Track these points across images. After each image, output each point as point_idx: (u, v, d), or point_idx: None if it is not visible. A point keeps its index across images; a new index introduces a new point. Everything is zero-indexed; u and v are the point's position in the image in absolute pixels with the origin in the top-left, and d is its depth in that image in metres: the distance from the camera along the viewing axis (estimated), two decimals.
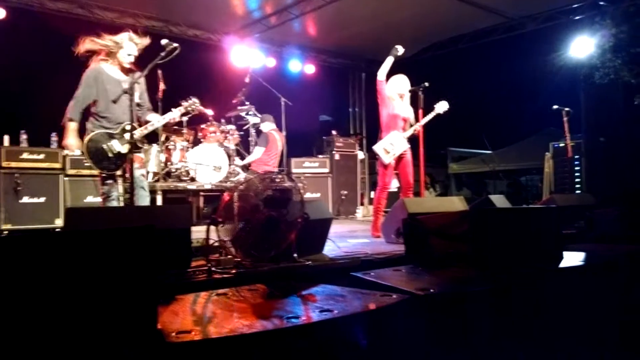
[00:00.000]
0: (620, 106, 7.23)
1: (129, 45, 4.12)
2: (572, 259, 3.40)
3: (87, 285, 1.76)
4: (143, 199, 4.08)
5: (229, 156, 7.38)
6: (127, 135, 3.96)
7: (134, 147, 3.97)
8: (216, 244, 3.21)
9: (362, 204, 9.47)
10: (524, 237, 3.27)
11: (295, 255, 3.24)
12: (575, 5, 8.50)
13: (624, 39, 8.26)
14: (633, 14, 8.16)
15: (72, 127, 4.05)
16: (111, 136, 4.07)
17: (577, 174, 7.88)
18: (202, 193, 7.64)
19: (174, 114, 4.33)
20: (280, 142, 7.13)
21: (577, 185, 7.86)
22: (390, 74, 5.37)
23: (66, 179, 6.39)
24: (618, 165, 6.92)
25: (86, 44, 4.07)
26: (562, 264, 3.27)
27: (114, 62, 4.12)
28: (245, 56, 9.08)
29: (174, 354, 1.76)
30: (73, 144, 4.07)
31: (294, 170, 8.62)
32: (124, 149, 4.04)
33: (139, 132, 4.08)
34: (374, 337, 2.18)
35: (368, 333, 2.16)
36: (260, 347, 1.87)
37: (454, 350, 2.43)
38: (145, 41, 4.19)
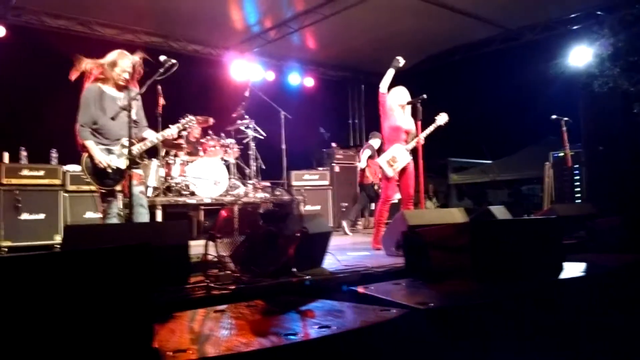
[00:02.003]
0: (619, 115, 7.23)
1: (122, 62, 4.13)
2: (573, 269, 3.37)
3: (82, 305, 1.75)
4: (142, 217, 4.07)
5: (229, 170, 7.38)
6: (125, 151, 3.96)
7: (132, 163, 3.97)
8: (215, 259, 3.19)
9: (362, 216, 9.44)
10: (524, 249, 3.26)
11: (294, 270, 3.22)
12: (573, 15, 8.55)
13: (622, 48, 8.29)
14: (631, 23, 8.19)
15: (91, 145, 4.03)
16: (109, 152, 4.07)
17: (577, 184, 7.86)
18: (202, 207, 7.62)
19: (171, 131, 4.33)
20: None
21: (578, 195, 7.83)
22: (390, 86, 5.38)
23: (66, 195, 6.39)
24: (618, 174, 6.90)
25: (82, 65, 4.08)
26: (563, 275, 3.24)
27: (109, 80, 4.13)
28: (244, 70, 9.13)
29: None
30: (104, 158, 4.05)
31: (294, 183, 8.62)
32: (122, 164, 4.05)
33: (137, 148, 4.09)
34: (374, 352, 2.16)
35: (367, 348, 2.14)
36: None
37: None
38: (138, 56, 4.19)
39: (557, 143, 7.81)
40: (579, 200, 7.71)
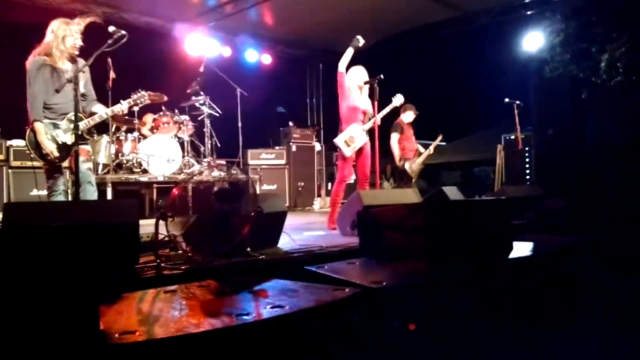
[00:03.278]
0: (568, 99, 7.45)
1: (71, 33, 3.93)
2: (522, 249, 3.47)
3: (23, 285, 1.67)
4: (90, 194, 3.93)
5: (183, 147, 7.22)
6: (72, 126, 3.80)
7: (80, 138, 3.81)
8: (166, 238, 3.12)
9: (319, 196, 9.46)
10: (475, 229, 3.32)
11: (248, 249, 3.18)
12: (527, 0, 8.70)
13: (573, 34, 8.52)
14: (581, 10, 8.42)
15: (40, 128, 3.84)
16: (55, 126, 3.90)
17: (527, 166, 8.10)
18: (155, 185, 7.44)
19: (122, 107, 4.17)
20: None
21: (527, 177, 8.08)
22: (349, 66, 5.35)
23: (10, 171, 6.11)
24: (565, 156, 7.15)
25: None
26: (512, 255, 3.33)
27: (56, 52, 3.92)
28: (199, 45, 8.89)
29: (117, 356, 1.68)
30: (49, 145, 3.86)
31: (250, 161, 8.53)
32: (68, 139, 3.88)
33: (84, 123, 3.92)
34: (327, 331, 2.16)
35: (321, 327, 2.14)
36: (209, 346, 1.82)
37: (407, 343, 2.45)
38: (82, 22, 3.99)
39: (510, 126, 8.01)
40: (529, 182, 7.96)
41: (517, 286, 3.10)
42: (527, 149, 8.00)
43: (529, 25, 8.83)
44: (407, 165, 7.48)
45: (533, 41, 8.71)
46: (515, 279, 3.14)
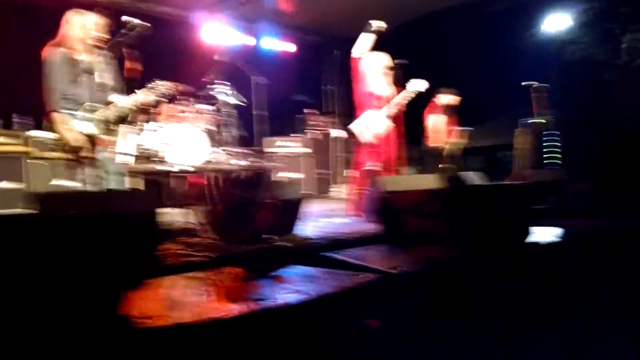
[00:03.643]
0: (590, 82, 7.30)
1: (84, 21, 3.95)
2: (540, 234, 3.43)
3: (47, 271, 1.69)
4: (110, 183, 3.96)
5: (202, 137, 7.23)
6: (89, 116, 3.82)
7: (98, 129, 3.83)
8: (188, 226, 3.14)
9: (337, 183, 9.44)
10: (494, 214, 3.28)
11: (267, 236, 3.19)
12: None
13: (596, 15, 8.31)
14: None
15: (58, 118, 3.86)
16: (73, 116, 3.92)
17: (548, 150, 7.97)
18: (174, 174, 7.48)
19: (138, 97, 4.19)
20: None
21: (548, 162, 7.95)
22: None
23: (29, 161, 6.18)
24: (588, 140, 7.02)
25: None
26: (530, 239, 3.29)
27: (72, 43, 3.94)
28: (216, 34, 8.87)
29: (139, 341, 1.70)
30: (70, 135, 3.88)
31: (267, 150, 8.52)
32: (87, 130, 3.91)
33: (101, 114, 3.95)
34: (349, 316, 2.16)
35: (343, 312, 2.13)
36: (231, 331, 1.82)
37: (428, 328, 2.43)
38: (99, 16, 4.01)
39: (530, 110, 7.87)
40: (550, 167, 7.83)
41: (537, 270, 3.07)
42: (547, 132, 7.86)
43: (550, 7, 8.63)
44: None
45: (554, 22, 8.51)
46: (536, 263, 3.10)
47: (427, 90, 5.47)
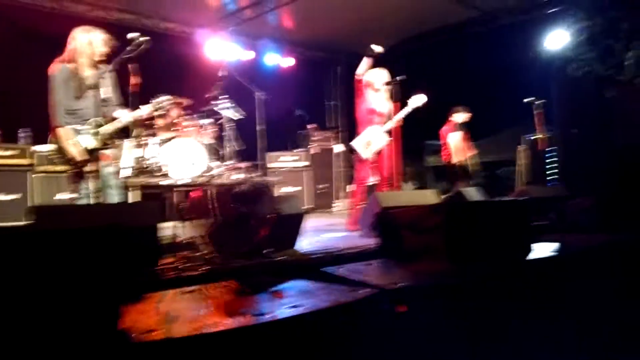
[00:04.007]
0: (592, 98, 7.33)
1: (90, 38, 4.02)
2: (541, 250, 3.44)
3: (48, 285, 1.71)
4: (112, 197, 4.00)
5: (204, 151, 7.29)
6: (94, 131, 3.88)
7: (102, 143, 3.88)
8: (186, 241, 3.17)
9: (339, 198, 9.46)
10: (494, 230, 3.30)
11: (266, 251, 3.21)
12: None
13: (598, 32, 8.35)
14: (607, 7, 8.25)
15: (63, 133, 3.92)
16: (78, 132, 3.98)
17: (549, 166, 7.98)
18: (176, 189, 7.52)
19: (142, 112, 4.25)
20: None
21: (550, 177, 7.96)
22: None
23: (34, 175, 6.25)
24: (590, 156, 7.03)
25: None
26: (531, 256, 3.30)
27: (78, 59, 4.01)
28: (219, 50, 8.97)
29: (138, 354, 1.72)
30: (74, 150, 3.93)
31: (269, 164, 8.57)
32: (91, 144, 3.96)
33: (105, 129, 4.00)
34: (344, 331, 2.17)
35: (337, 328, 2.15)
36: (227, 345, 1.84)
37: (425, 343, 2.44)
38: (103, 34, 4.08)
39: (531, 126, 7.90)
40: (551, 183, 7.83)
41: (537, 286, 3.07)
42: (549, 149, 7.88)
43: (551, 24, 8.69)
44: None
45: (556, 39, 8.56)
46: (535, 279, 3.11)
47: (440, 108, 5.63)
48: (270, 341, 1.94)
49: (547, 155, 7.96)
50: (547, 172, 7.99)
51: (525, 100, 7.21)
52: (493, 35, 9.17)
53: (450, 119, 7.64)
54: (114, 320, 1.86)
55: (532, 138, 8.02)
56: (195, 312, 2.10)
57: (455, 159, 7.61)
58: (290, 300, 2.23)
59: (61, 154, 3.95)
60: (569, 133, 7.35)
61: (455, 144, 7.56)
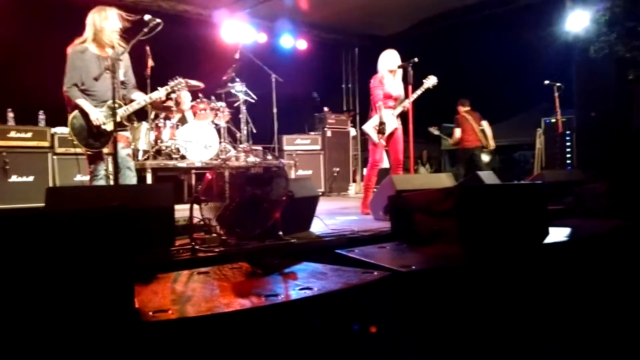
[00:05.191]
0: (612, 81, 7.19)
1: (106, 16, 4.04)
2: (558, 234, 3.41)
3: (62, 265, 1.75)
4: (129, 179, 4.05)
5: (220, 133, 7.33)
6: (111, 113, 3.92)
7: (119, 125, 3.93)
8: (201, 222, 3.20)
9: (354, 181, 9.46)
10: (509, 214, 3.27)
11: (280, 233, 3.23)
12: None
13: (620, 13, 8.14)
14: None
15: (84, 103, 3.98)
16: None
17: (567, 150, 7.88)
18: (193, 171, 7.60)
19: (160, 94, 4.28)
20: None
21: (568, 161, 7.86)
22: (380, 50, 5.32)
23: (55, 157, 6.35)
24: (608, 140, 6.91)
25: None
26: (547, 240, 3.28)
27: (96, 40, 4.04)
28: (236, 32, 8.95)
29: (150, 333, 1.75)
30: (98, 115, 3.98)
31: (285, 147, 8.59)
32: (108, 126, 4.01)
33: (122, 111, 4.04)
34: (355, 314, 2.19)
35: (349, 310, 2.16)
36: (238, 325, 1.87)
37: (436, 327, 2.45)
38: (115, 12, 4.09)
39: (550, 109, 7.79)
40: (570, 167, 7.73)
41: (551, 271, 3.05)
42: (568, 132, 7.77)
43: (572, 5, 8.49)
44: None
45: (577, 21, 8.37)
46: (550, 264, 3.09)
47: (457, 92, 5.73)
48: (283, 322, 1.96)
49: (566, 138, 7.85)
50: (567, 156, 7.89)
51: (546, 82, 7.09)
52: (512, 16, 9.01)
53: (459, 106, 8.10)
54: (129, 299, 1.89)
55: (552, 121, 7.91)
56: (208, 292, 2.13)
57: (470, 144, 7.95)
58: (303, 282, 2.25)
59: (80, 135, 4.00)
60: (587, 116, 7.23)
61: (468, 129, 8.01)
